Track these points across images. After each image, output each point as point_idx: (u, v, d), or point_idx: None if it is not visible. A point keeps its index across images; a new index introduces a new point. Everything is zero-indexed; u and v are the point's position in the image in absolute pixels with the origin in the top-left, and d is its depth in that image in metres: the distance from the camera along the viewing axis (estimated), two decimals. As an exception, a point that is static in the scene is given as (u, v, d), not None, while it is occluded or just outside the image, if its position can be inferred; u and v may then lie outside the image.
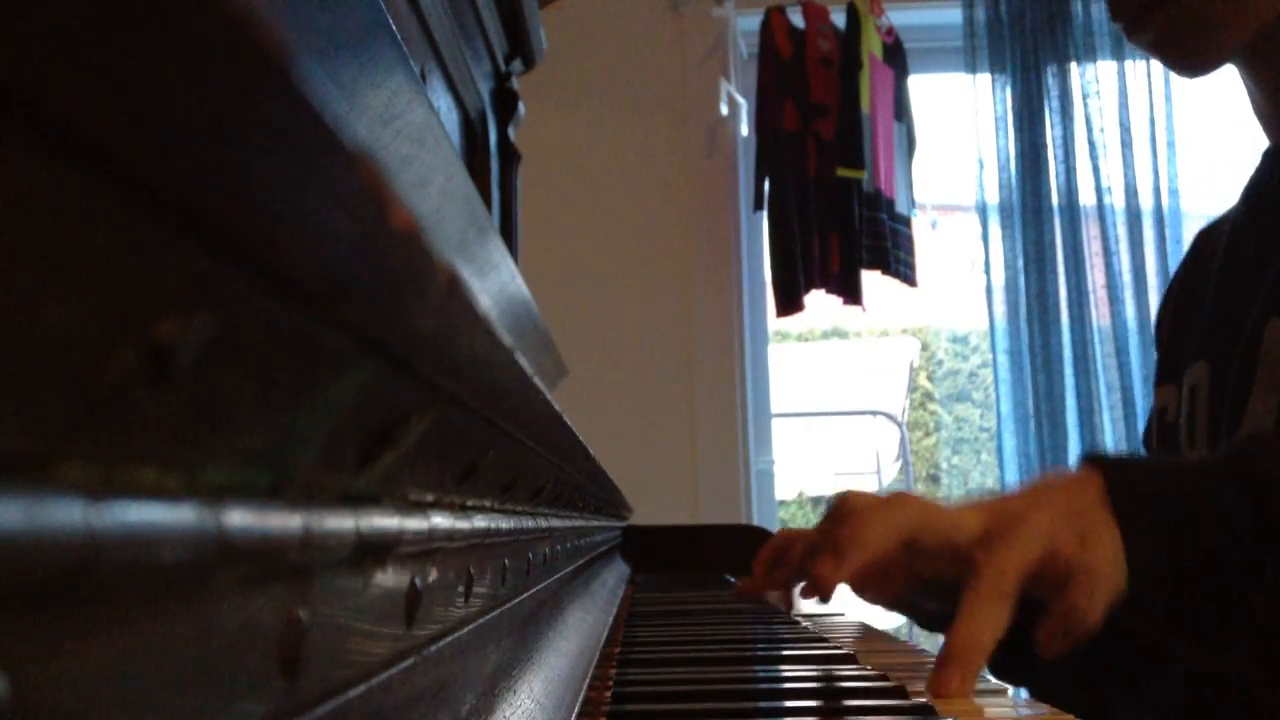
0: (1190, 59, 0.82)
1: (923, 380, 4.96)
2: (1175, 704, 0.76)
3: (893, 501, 0.64)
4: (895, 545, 0.62)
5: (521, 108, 1.26)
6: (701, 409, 2.40)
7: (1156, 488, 0.62)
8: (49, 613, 0.12)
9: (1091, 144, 2.43)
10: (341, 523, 0.21)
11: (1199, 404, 0.83)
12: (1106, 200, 2.42)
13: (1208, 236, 0.94)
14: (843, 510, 0.66)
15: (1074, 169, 2.43)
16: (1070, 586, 0.58)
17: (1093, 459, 0.64)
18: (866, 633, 0.86)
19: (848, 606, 0.87)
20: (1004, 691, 0.58)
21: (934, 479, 4.92)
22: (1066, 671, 0.75)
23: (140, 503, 0.13)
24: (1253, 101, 0.86)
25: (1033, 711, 0.55)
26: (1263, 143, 0.87)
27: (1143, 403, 2.32)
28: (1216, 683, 0.71)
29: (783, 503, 3.86)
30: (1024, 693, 0.77)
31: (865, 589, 0.77)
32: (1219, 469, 0.61)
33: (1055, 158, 2.45)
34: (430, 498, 0.29)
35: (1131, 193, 2.42)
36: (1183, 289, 0.94)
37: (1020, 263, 2.43)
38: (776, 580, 0.84)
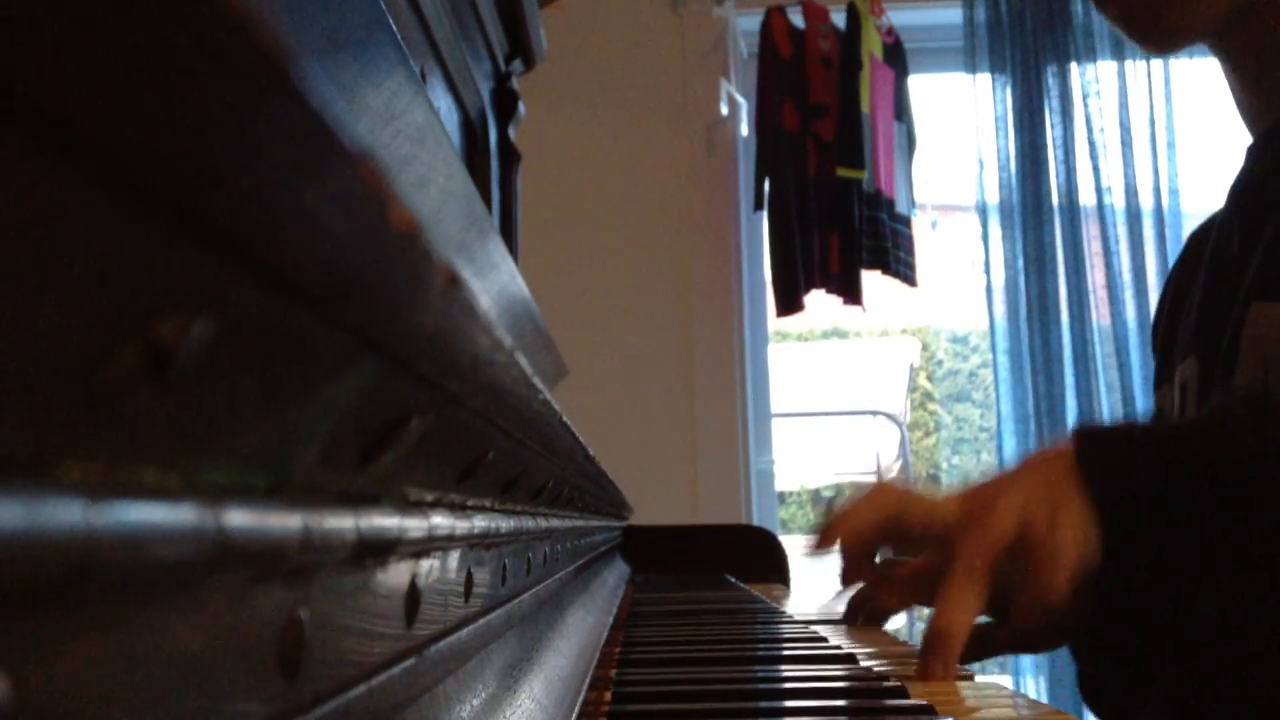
0: (1156, 33, 0.83)
1: (923, 380, 4.96)
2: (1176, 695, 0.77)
3: (875, 490, 0.71)
4: (881, 524, 0.69)
5: (521, 108, 1.26)
6: (701, 409, 2.40)
7: (1125, 455, 0.64)
8: (49, 613, 0.12)
9: (1091, 144, 2.43)
10: (341, 523, 0.21)
11: (1189, 399, 0.83)
12: (1106, 200, 2.42)
13: (1198, 237, 0.95)
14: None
15: (1074, 169, 2.43)
16: (1038, 561, 0.61)
17: (1077, 429, 0.67)
18: (866, 633, 0.86)
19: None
20: (1004, 690, 0.58)
21: (934, 479, 4.92)
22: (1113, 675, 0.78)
23: (140, 503, 0.13)
24: (1233, 94, 0.87)
25: (1032, 712, 0.55)
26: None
27: (1143, 403, 2.32)
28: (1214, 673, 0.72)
29: (783, 502, 3.86)
30: (1029, 691, 0.78)
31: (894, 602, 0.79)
32: (1189, 434, 0.65)
33: (1055, 158, 2.45)
34: (430, 498, 0.29)
35: (1131, 193, 2.42)
36: (1174, 290, 0.95)
37: (1020, 263, 2.43)
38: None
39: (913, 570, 0.75)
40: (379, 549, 0.24)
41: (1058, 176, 2.44)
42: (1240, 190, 0.86)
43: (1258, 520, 0.60)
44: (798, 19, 2.40)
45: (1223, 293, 0.81)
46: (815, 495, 4.46)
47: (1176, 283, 0.95)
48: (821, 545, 0.70)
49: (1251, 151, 0.86)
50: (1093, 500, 0.62)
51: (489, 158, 1.16)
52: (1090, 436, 0.66)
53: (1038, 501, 0.62)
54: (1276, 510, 0.60)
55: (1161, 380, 0.92)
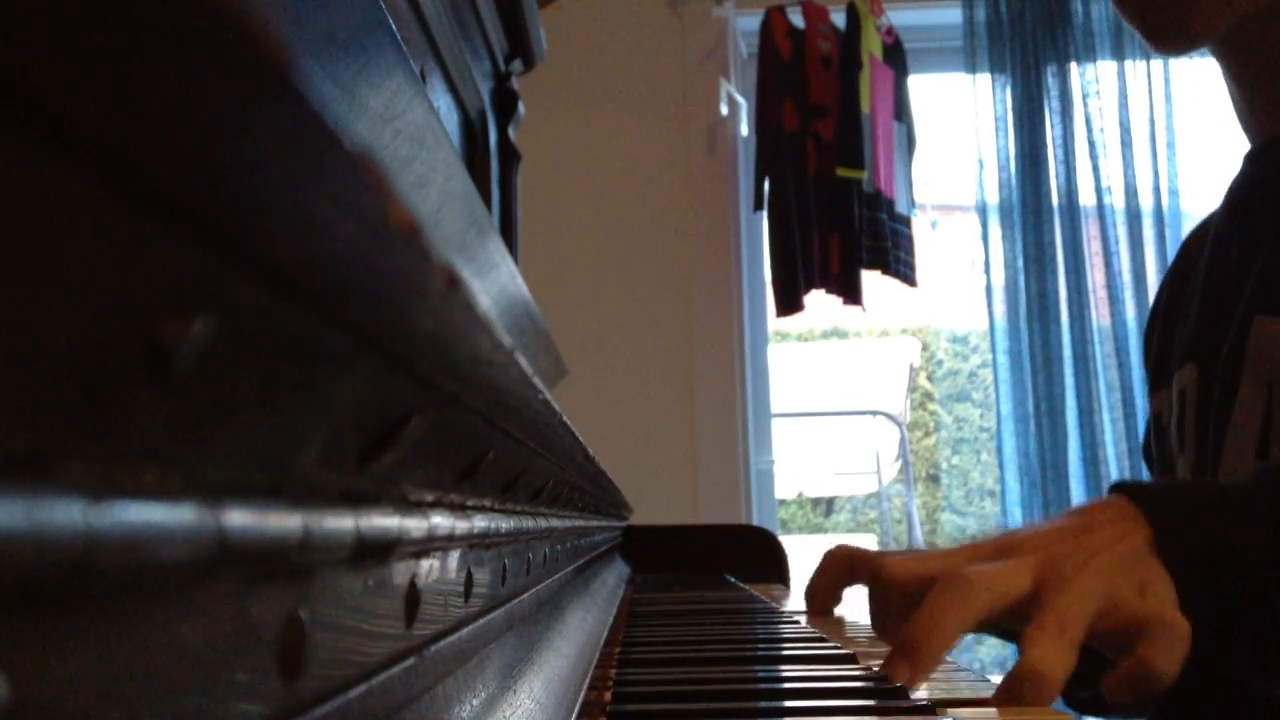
0: (1171, 33, 0.82)
1: (923, 380, 4.96)
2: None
3: (959, 583, 0.58)
4: (972, 627, 0.59)
5: (521, 108, 1.26)
6: (701, 409, 2.40)
7: (1203, 529, 0.59)
8: (49, 613, 0.12)
9: (1091, 144, 2.43)
10: (341, 523, 0.21)
11: (1188, 406, 0.83)
12: (1106, 200, 2.42)
13: (1194, 240, 0.94)
14: (891, 587, 0.63)
15: (1074, 169, 2.43)
16: (1145, 639, 0.55)
17: (1126, 490, 0.61)
18: (867, 633, 0.86)
19: (847, 609, 0.87)
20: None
21: (934, 479, 4.92)
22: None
23: (140, 503, 0.13)
24: (1234, 103, 0.86)
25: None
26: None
27: (1142, 403, 2.32)
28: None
29: (783, 503, 3.86)
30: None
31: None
32: (1262, 500, 0.59)
33: (1055, 158, 2.45)
34: (430, 498, 0.29)
35: (1131, 193, 2.42)
36: (1170, 294, 0.94)
37: (1020, 263, 2.43)
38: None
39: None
40: (379, 549, 0.24)
41: (1058, 176, 2.44)
42: (1238, 197, 0.86)
43: None
44: (798, 19, 2.40)
45: (1222, 300, 0.81)
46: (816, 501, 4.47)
47: (1171, 287, 0.94)
48: (914, 678, 0.57)
49: (1250, 159, 0.86)
50: (1176, 584, 0.57)
51: (489, 158, 1.16)
52: (1160, 506, 0.60)
53: (1125, 578, 0.57)
54: None
55: (1157, 385, 0.91)
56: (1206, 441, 0.79)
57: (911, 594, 0.61)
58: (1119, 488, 0.62)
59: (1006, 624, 0.59)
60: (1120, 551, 0.58)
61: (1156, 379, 0.92)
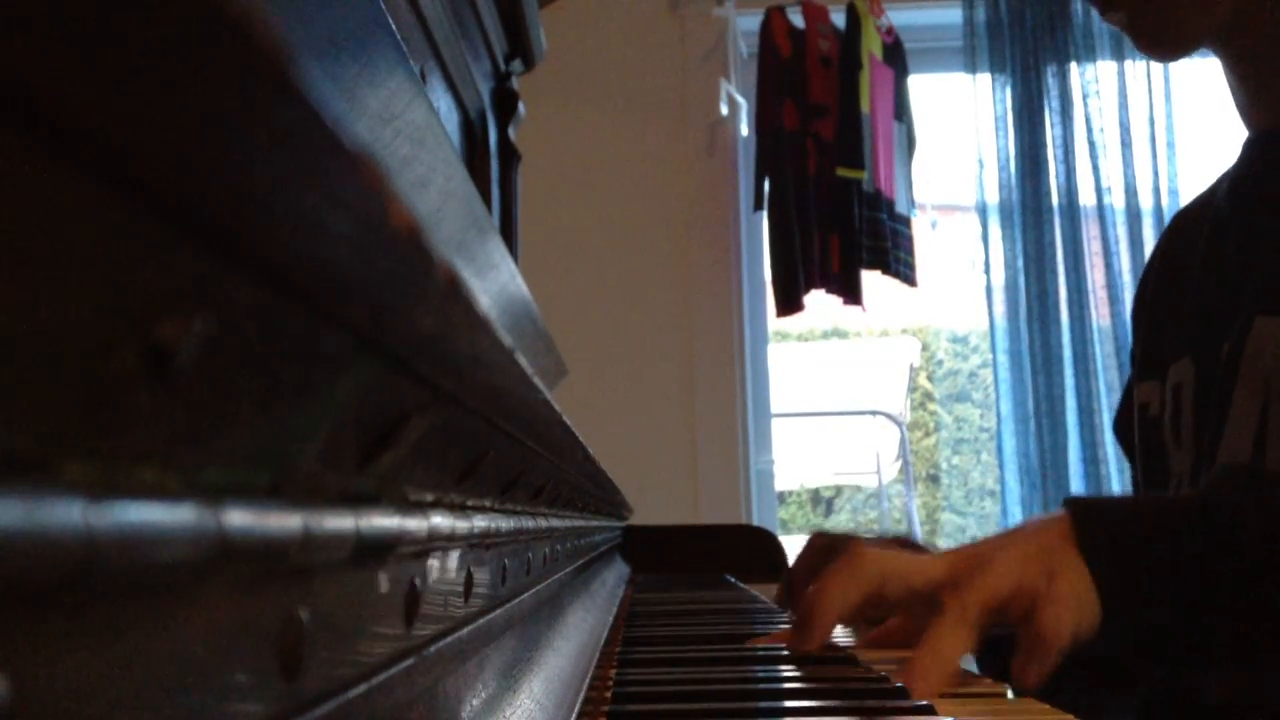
0: (1161, 40, 0.82)
1: (923, 380, 4.96)
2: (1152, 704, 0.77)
3: (853, 559, 0.65)
4: (859, 601, 0.64)
5: (521, 108, 1.26)
6: (701, 409, 2.40)
7: (1121, 526, 0.63)
8: (49, 613, 0.12)
9: (1091, 144, 2.43)
10: (341, 523, 0.21)
11: (1184, 402, 0.83)
12: (1106, 200, 2.42)
13: (1184, 219, 0.93)
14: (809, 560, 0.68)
15: (1074, 169, 2.44)
16: (1036, 617, 0.59)
17: (1066, 501, 0.66)
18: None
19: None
20: (1003, 692, 0.58)
21: (934, 479, 4.92)
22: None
23: (140, 503, 0.13)
24: (1231, 91, 0.86)
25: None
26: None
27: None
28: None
29: (783, 502, 3.86)
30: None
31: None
32: (1184, 509, 0.63)
33: (1055, 158, 2.45)
34: (430, 498, 0.29)
35: (1131, 193, 2.42)
36: (1160, 277, 0.93)
37: (1020, 263, 2.43)
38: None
39: (884, 633, 0.73)
40: (379, 549, 0.24)
41: (1058, 176, 2.44)
42: (1237, 187, 0.85)
43: (1261, 596, 0.59)
44: (798, 19, 2.40)
45: (1222, 295, 0.81)
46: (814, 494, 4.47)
47: (1161, 267, 0.93)
48: (803, 645, 0.65)
49: (1249, 148, 0.85)
50: (1091, 570, 0.61)
51: (489, 158, 1.16)
52: (1085, 508, 0.64)
53: (1034, 562, 0.61)
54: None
55: (1146, 373, 0.90)
56: (1204, 440, 0.79)
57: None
58: (1065, 501, 0.66)
59: (919, 617, 0.64)
60: (1036, 544, 0.62)
61: (1145, 368, 0.91)
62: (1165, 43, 0.82)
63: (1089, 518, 0.63)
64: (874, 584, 0.64)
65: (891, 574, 0.64)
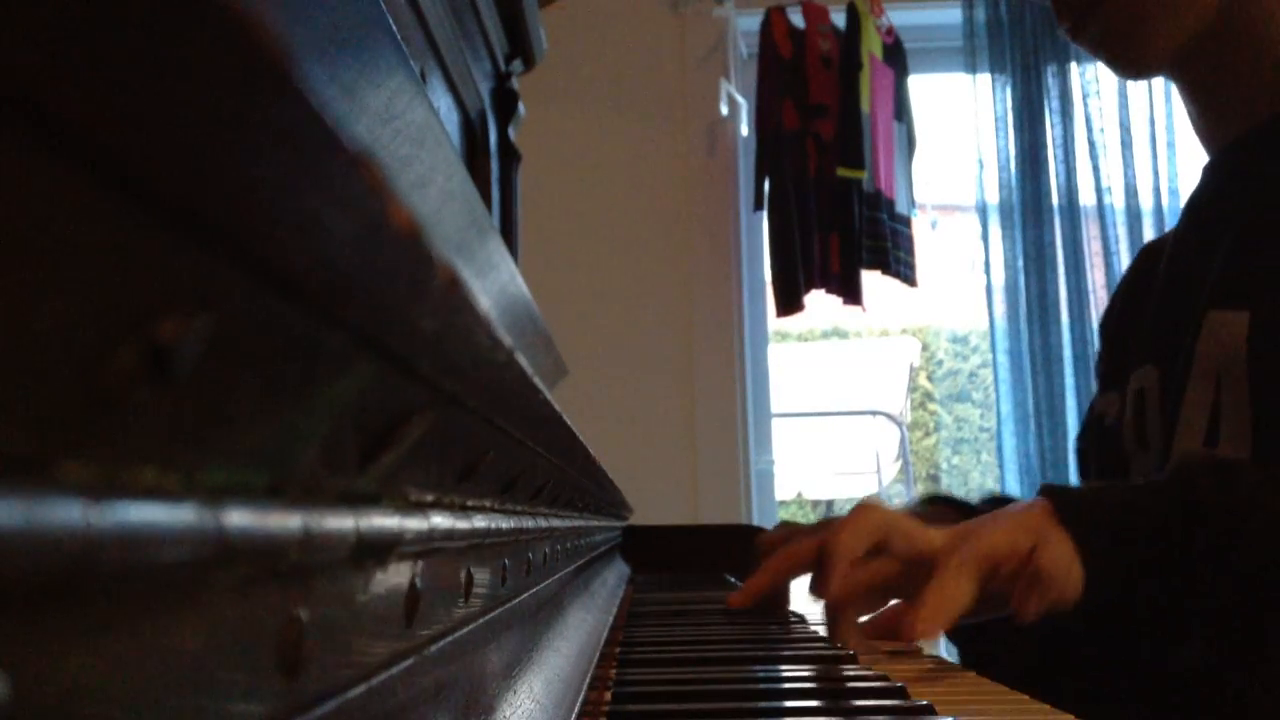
0: (1129, 57, 0.87)
1: (923, 380, 4.96)
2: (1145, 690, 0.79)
3: (863, 510, 0.73)
4: (867, 547, 0.71)
5: (521, 108, 1.26)
6: (701, 409, 2.40)
7: (1098, 504, 0.69)
8: (49, 613, 0.12)
9: (1091, 144, 2.43)
10: (341, 523, 0.21)
11: (1149, 405, 0.85)
12: (1106, 200, 2.42)
13: (1150, 253, 0.99)
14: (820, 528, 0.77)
15: (1074, 169, 2.43)
16: (1034, 557, 0.65)
17: (1044, 488, 0.72)
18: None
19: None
20: (1004, 690, 0.58)
21: (934, 479, 4.92)
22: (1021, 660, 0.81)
23: (140, 503, 0.13)
24: (1191, 117, 0.91)
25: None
26: None
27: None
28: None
29: (783, 503, 3.85)
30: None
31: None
32: (1152, 491, 0.69)
33: (1055, 158, 2.45)
34: (430, 498, 0.29)
35: (1131, 193, 2.42)
36: (1125, 302, 0.98)
37: (1020, 263, 2.43)
38: (770, 600, 0.89)
39: (882, 620, 0.77)
40: (379, 549, 0.24)
41: (1058, 176, 2.44)
42: (1196, 205, 0.90)
43: (1226, 574, 0.64)
44: (798, 19, 2.40)
45: (1180, 303, 0.85)
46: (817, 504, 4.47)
47: (1127, 292, 0.99)
48: (825, 589, 0.72)
49: (1208, 170, 0.90)
50: (1074, 541, 0.67)
51: (489, 158, 1.16)
52: (1063, 491, 0.70)
53: (1024, 531, 0.67)
54: (1245, 564, 0.63)
55: (1107, 387, 0.95)
56: (1171, 440, 0.82)
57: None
58: (1042, 488, 0.72)
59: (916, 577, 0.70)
60: (1023, 518, 0.68)
61: (1107, 380, 0.96)
62: (1131, 63, 0.87)
63: (1067, 499, 0.69)
64: (881, 534, 0.71)
65: (897, 529, 0.71)
